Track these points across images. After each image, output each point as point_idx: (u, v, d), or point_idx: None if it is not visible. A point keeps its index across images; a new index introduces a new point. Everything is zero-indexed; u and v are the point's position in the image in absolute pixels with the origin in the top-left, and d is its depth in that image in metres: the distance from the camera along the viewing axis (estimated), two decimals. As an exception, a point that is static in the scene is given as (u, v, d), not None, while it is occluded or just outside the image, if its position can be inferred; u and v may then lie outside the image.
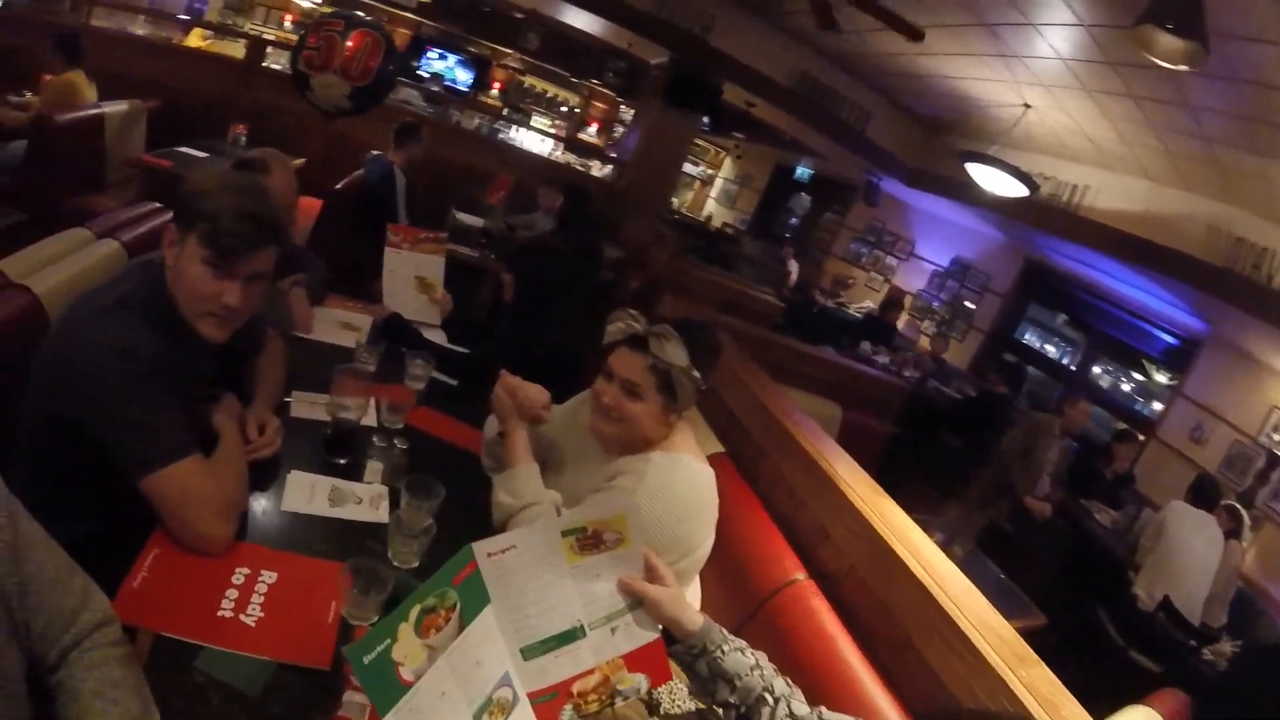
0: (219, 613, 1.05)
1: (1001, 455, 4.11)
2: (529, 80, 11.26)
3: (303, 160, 5.02)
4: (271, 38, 7.91)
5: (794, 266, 8.63)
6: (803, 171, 10.76)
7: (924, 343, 7.57)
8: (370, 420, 1.71)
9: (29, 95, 4.40)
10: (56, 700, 0.82)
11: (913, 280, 8.68)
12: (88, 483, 1.19)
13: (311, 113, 4.26)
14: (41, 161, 3.61)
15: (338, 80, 3.86)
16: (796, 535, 1.69)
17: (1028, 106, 5.48)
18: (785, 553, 1.61)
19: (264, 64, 5.96)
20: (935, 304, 8.27)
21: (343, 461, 1.53)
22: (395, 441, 1.61)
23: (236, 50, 6.36)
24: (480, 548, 0.89)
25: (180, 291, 1.22)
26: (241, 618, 1.05)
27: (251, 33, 8.20)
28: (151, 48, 6.09)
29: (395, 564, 1.27)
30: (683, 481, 1.36)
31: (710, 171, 13.47)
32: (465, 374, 2.14)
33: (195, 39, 7.87)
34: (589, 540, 0.96)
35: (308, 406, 1.70)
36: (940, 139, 7.62)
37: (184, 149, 4.20)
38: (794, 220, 11.39)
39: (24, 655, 0.79)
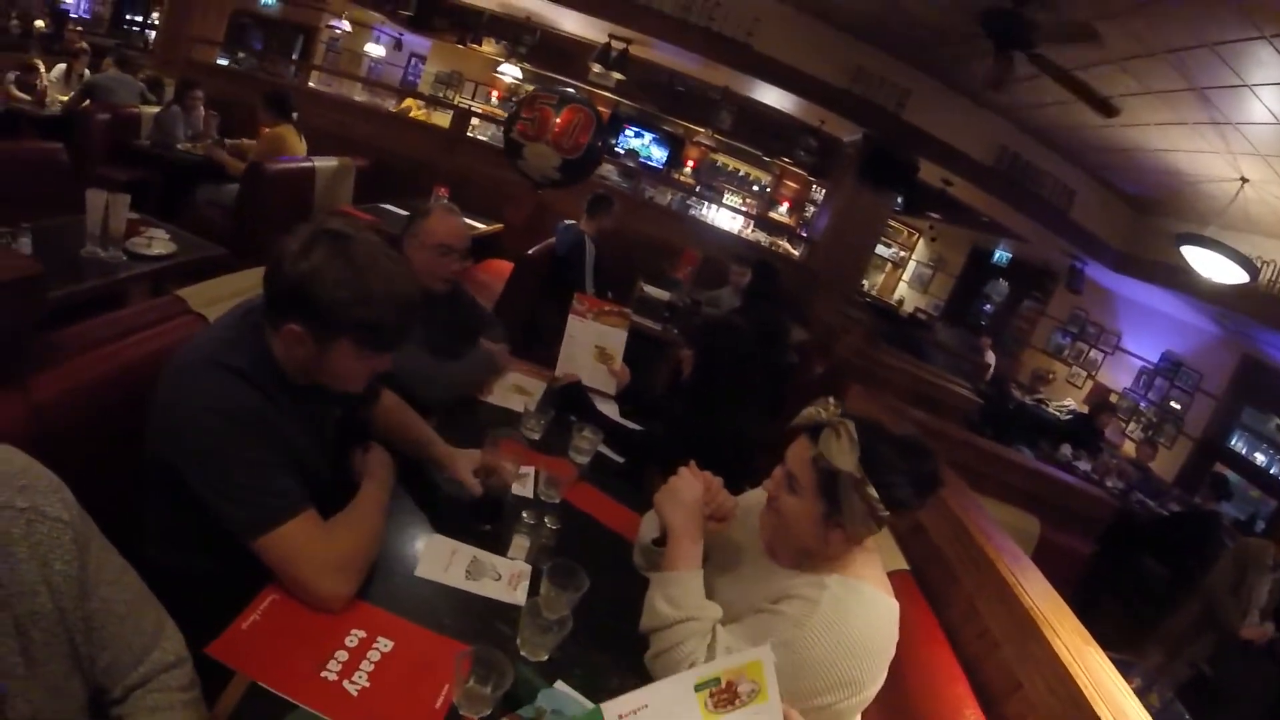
0: (323, 673, 1.02)
1: (1209, 590, 3.94)
2: (721, 158, 12.07)
3: (501, 225, 5.59)
4: (478, 110, 9.02)
5: (991, 358, 8.29)
6: (1001, 255, 10.75)
7: (1128, 448, 7.29)
8: (525, 490, 1.70)
9: (244, 141, 5.36)
10: None
11: (1118, 377, 8.47)
12: (203, 523, 1.22)
13: (512, 180, 4.74)
14: (252, 204, 4.27)
15: (549, 151, 4.30)
16: (982, 682, 1.49)
17: (1244, 180, 5.28)
18: (967, 701, 1.41)
19: (468, 133, 6.83)
20: (1142, 404, 7.98)
21: (487, 528, 1.50)
22: (546, 520, 1.56)
23: (444, 121, 7.35)
24: (611, 710, 0.91)
25: (325, 378, 1.27)
26: (345, 684, 1.01)
27: (460, 104, 9.40)
28: (366, 111, 7.27)
29: (523, 654, 1.18)
30: (861, 617, 1.19)
31: (903, 253, 13.58)
32: (633, 451, 2.14)
33: (408, 108, 9.23)
34: (724, 694, 0.93)
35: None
36: (1149, 219, 7.36)
37: (387, 205, 4.83)
38: (988, 307, 11.31)
39: (87, 686, 0.81)
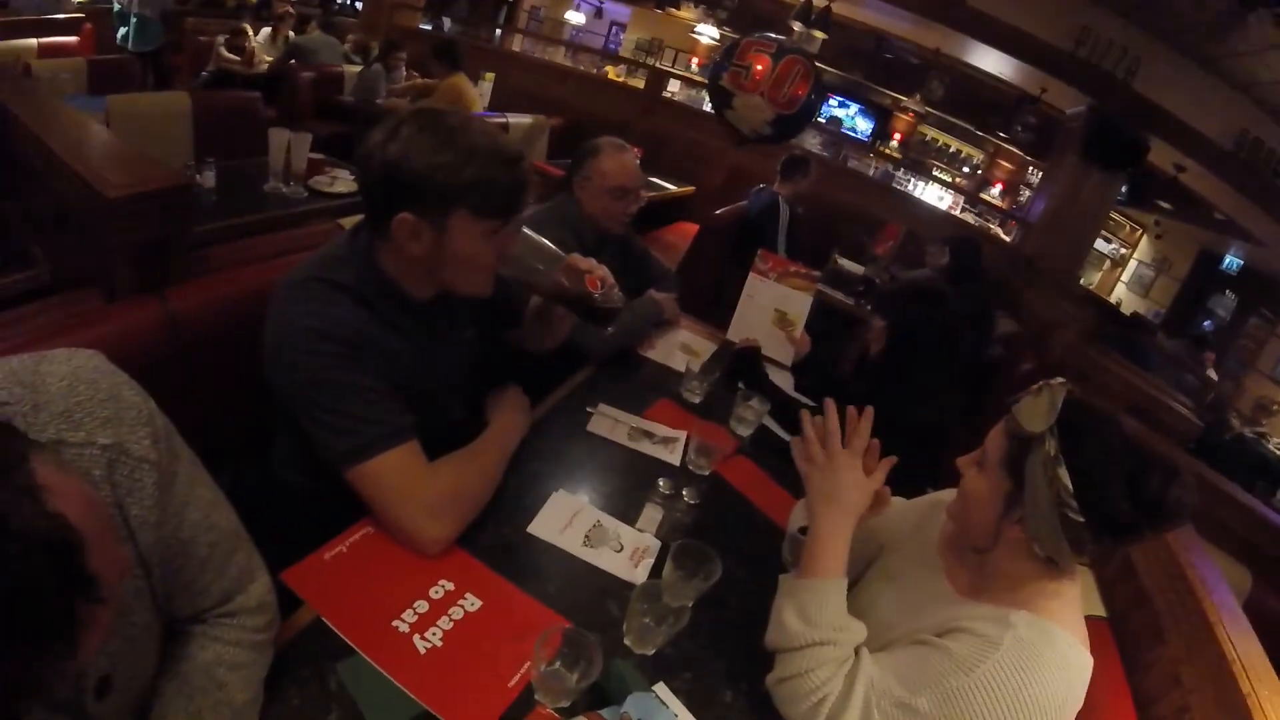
0: (394, 623, 0.95)
1: None
2: (931, 133, 11.40)
3: (693, 188, 5.53)
4: (676, 73, 9.05)
5: (1214, 377, 7.40)
6: (1232, 260, 9.99)
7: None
8: (673, 457, 1.56)
9: (418, 81, 5.69)
10: (174, 644, 0.81)
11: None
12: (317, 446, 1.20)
13: (708, 143, 4.60)
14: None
15: (763, 104, 4.07)
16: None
17: None
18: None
19: (664, 94, 6.86)
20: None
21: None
22: (685, 493, 1.42)
23: (641, 84, 7.37)
24: None
25: (452, 273, 1.20)
26: (416, 639, 0.94)
27: (657, 67, 9.51)
28: (563, 73, 7.49)
29: (627, 642, 1.04)
30: (1048, 673, 0.90)
31: (1124, 250, 12.62)
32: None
33: (609, 74, 9.45)
34: None
35: (609, 424, 1.61)
36: None
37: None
38: (1208, 323, 10.34)
39: (162, 619, 0.78)
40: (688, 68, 11.73)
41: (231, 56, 6.41)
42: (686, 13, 10.86)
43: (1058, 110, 7.53)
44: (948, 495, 1.20)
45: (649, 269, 2.41)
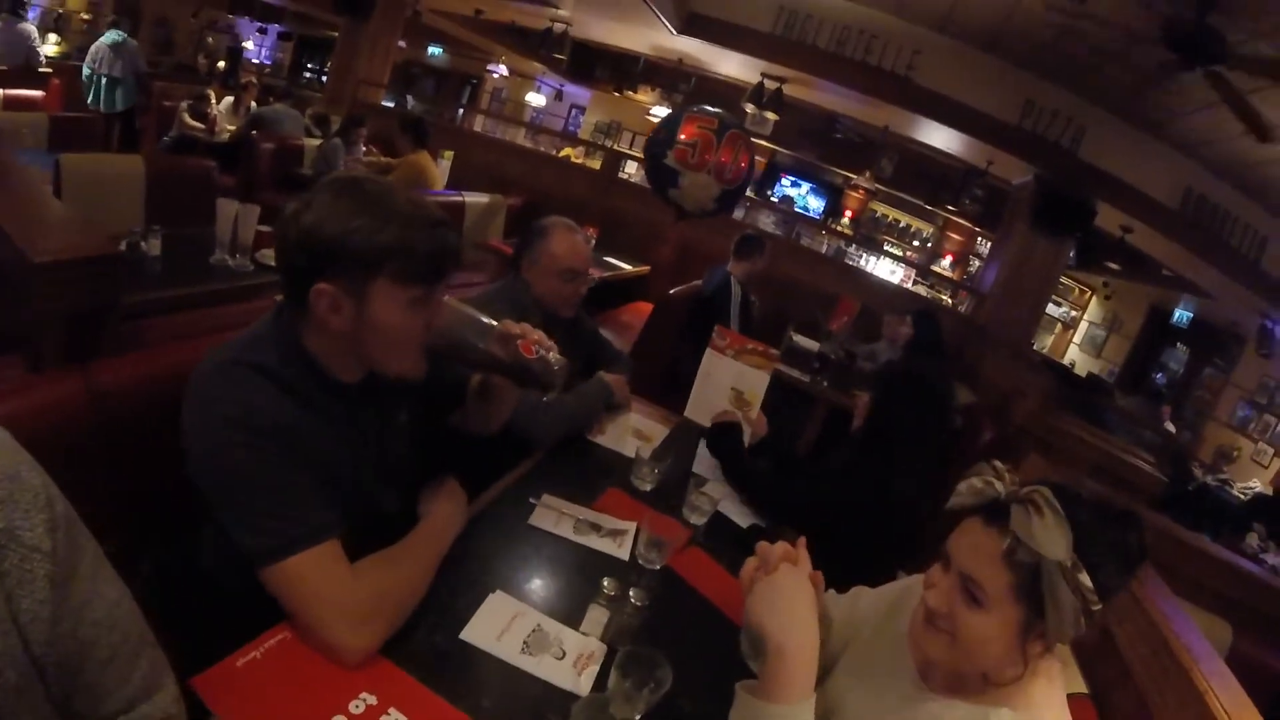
0: None
1: None
2: (881, 208, 11.81)
3: (648, 268, 5.58)
4: (633, 154, 9.30)
5: (1172, 430, 7.61)
6: (1182, 315, 10.36)
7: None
8: (621, 552, 1.48)
9: (381, 159, 5.75)
10: None
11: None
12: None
13: (661, 220, 4.63)
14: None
15: (710, 181, 4.10)
16: None
17: None
18: None
19: (620, 175, 7.03)
20: (1342, 486, 6.99)
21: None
22: (633, 593, 1.33)
23: (598, 164, 7.56)
24: None
25: (375, 347, 1.12)
26: None
27: (614, 149, 9.76)
28: (521, 153, 7.68)
29: None
30: None
31: (1074, 313, 13.09)
32: (774, 511, 1.91)
33: (567, 155, 9.68)
34: None
35: (554, 517, 1.53)
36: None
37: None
38: (1161, 377, 10.82)
39: (61, 717, 0.72)
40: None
41: (194, 123, 6.46)
42: (644, 95, 11.19)
43: (1004, 182, 7.88)
44: (916, 583, 1.14)
45: (599, 351, 2.36)
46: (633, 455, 1.89)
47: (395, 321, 1.09)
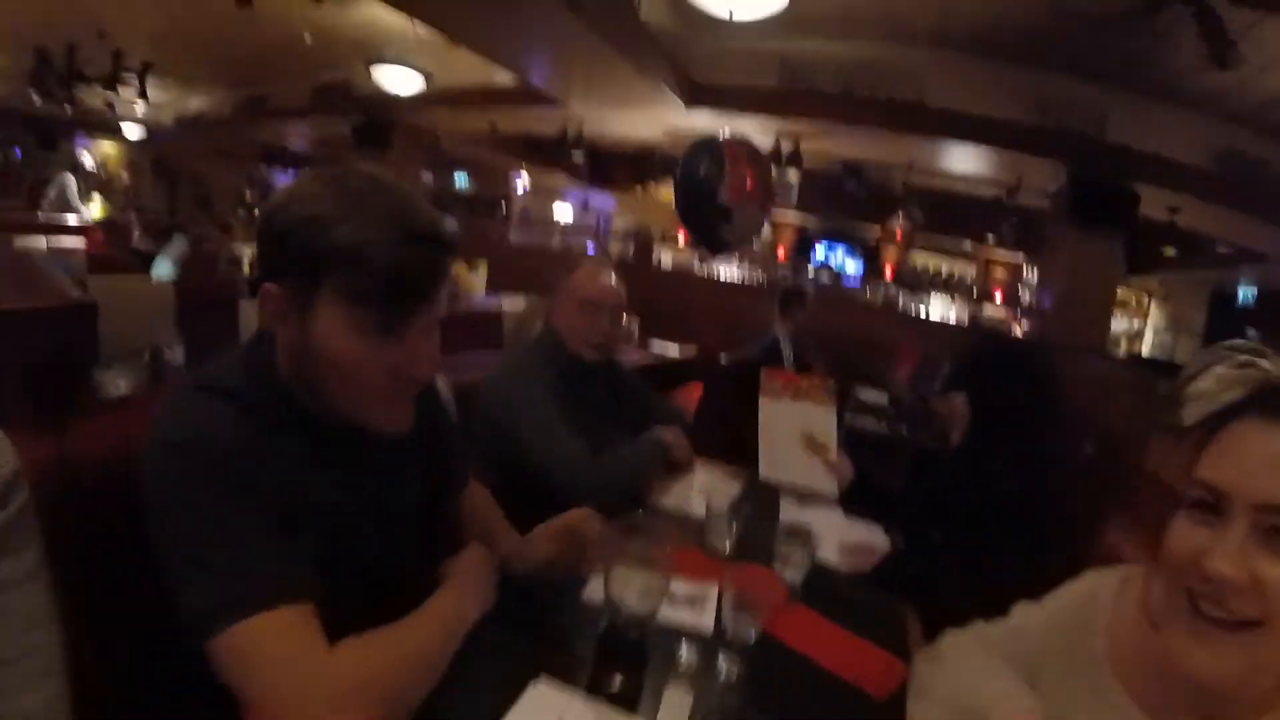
0: None
1: None
2: (920, 259, 11.69)
3: (697, 349, 5.42)
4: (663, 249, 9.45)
5: None
6: (1245, 292, 10.01)
7: None
8: (703, 620, 1.17)
9: None
10: None
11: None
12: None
13: (699, 300, 4.49)
14: (444, 340, 4.45)
15: (757, 211, 3.96)
16: None
17: None
18: None
19: (653, 263, 7.07)
20: None
21: (614, 684, 0.96)
22: (724, 662, 1.03)
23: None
24: None
25: (331, 386, 0.86)
26: None
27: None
28: (558, 257, 7.71)
29: None
30: None
31: (1137, 323, 12.82)
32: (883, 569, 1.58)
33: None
34: None
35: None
36: None
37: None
38: None
39: None
40: (676, 246, 12.20)
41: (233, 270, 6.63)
42: (667, 192, 11.37)
43: (1038, 199, 7.68)
44: (1099, 585, 0.85)
45: (651, 407, 2.14)
46: (702, 516, 1.60)
47: (339, 349, 0.83)
